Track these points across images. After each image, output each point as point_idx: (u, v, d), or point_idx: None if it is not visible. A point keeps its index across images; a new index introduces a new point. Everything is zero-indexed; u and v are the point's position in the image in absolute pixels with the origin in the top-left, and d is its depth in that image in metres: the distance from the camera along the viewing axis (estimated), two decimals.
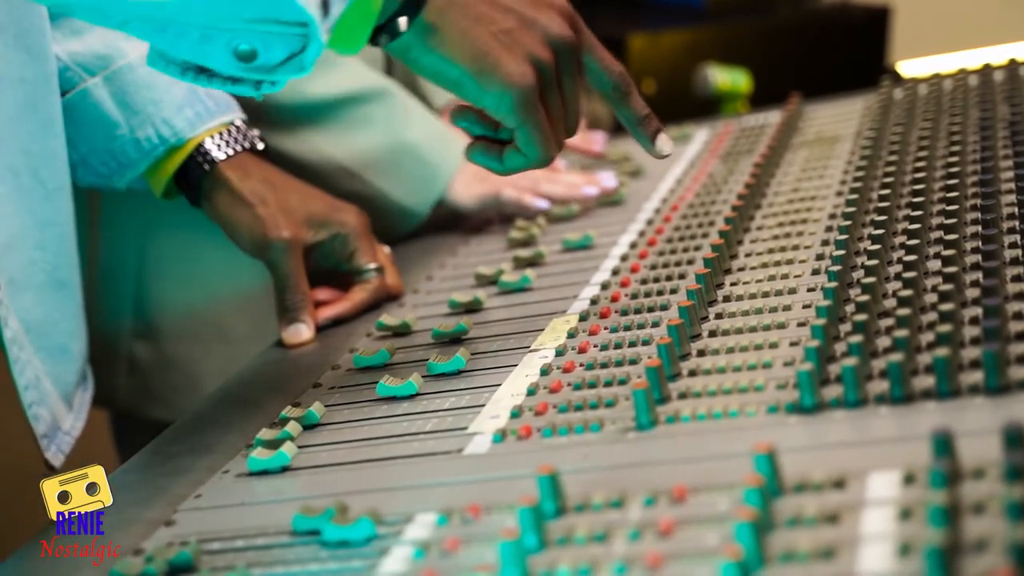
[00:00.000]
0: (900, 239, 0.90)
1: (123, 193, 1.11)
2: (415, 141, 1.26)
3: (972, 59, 1.37)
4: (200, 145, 1.05)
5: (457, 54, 0.82)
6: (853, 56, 2.24)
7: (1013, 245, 0.83)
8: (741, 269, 0.95)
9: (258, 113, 1.19)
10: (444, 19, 0.81)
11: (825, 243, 0.96)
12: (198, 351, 1.27)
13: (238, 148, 1.06)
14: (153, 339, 1.26)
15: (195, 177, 1.05)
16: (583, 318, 0.93)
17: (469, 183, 1.26)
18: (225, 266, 1.24)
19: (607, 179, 1.27)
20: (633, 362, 0.83)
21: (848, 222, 0.93)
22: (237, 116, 1.08)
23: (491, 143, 0.88)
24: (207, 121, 1.05)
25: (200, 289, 1.26)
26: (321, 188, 1.12)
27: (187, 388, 1.25)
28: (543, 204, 1.25)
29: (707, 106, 1.90)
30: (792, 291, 0.88)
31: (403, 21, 0.80)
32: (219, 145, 1.05)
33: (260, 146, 1.08)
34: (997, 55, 1.33)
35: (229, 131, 1.06)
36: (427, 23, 0.80)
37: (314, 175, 1.21)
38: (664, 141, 0.89)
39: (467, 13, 0.82)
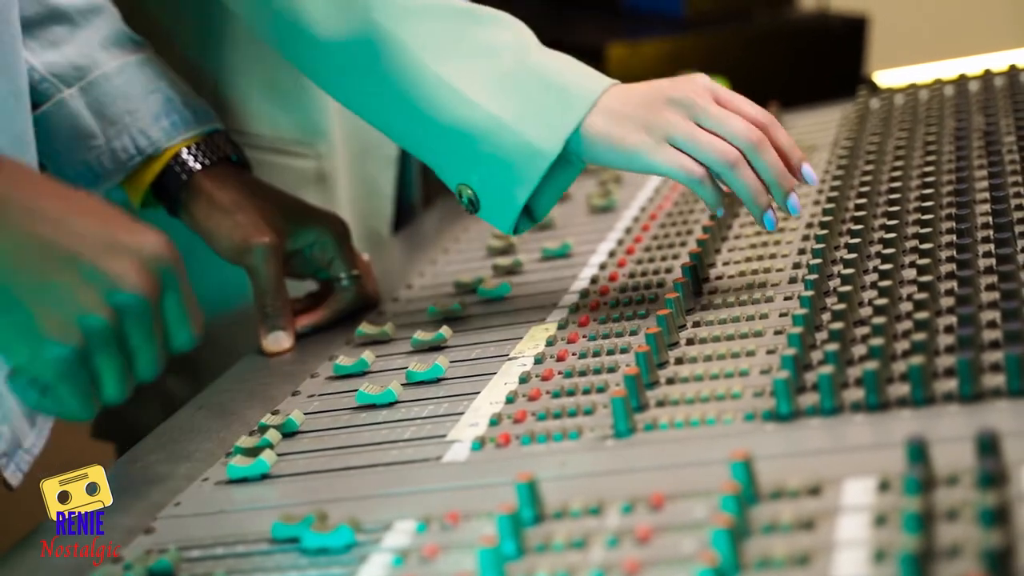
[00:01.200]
0: (876, 248, 0.91)
1: None
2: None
3: (948, 70, 1.38)
4: (177, 155, 1.05)
5: None
6: (830, 66, 2.25)
7: (987, 254, 0.83)
8: (719, 277, 0.95)
9: None
10: None
11: (802, 252, 0.97)
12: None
13: (215, 158, 1.05)
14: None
15: (172, 187, 1.05)
16: (562, 326, 0.93)
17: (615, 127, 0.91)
18: (215, 285, 1.23)
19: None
20: (611, 370, 0.83)
21: (824, 231, 0.93)
22: (215, 126, 1.07)
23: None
24: (184, 131, 1.05)
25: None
26: None
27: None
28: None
29: None
30: (769, 299, 0.89)
31: None
32: (196, 155, 1.05)
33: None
34: (972, 66, 1.34)
35: (206, 141, 1.06)
36: None
37: None
38: None
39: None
